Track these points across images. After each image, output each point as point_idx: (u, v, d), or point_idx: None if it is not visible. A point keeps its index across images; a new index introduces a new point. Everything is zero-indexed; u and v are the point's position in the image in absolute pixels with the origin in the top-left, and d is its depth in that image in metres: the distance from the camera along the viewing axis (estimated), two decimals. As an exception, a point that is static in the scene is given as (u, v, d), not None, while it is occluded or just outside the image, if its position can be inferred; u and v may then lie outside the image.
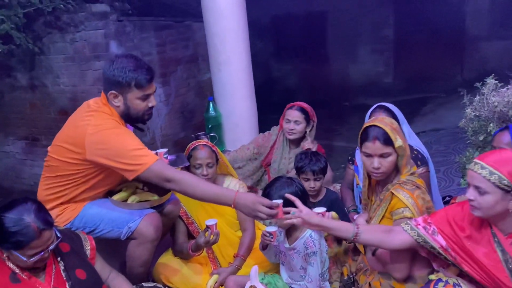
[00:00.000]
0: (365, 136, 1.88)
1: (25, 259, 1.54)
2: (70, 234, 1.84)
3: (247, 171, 3.02)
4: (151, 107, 2.08)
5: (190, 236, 2.41)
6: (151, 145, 4.36)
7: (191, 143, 2.43)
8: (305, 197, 2.10)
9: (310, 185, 2.46)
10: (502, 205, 1.52)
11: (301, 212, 1.81)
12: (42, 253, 1.57)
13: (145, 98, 2.04)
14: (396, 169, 1.88)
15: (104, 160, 1.95)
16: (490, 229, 1.61)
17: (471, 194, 1.56)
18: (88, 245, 1.85)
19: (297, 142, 2.91)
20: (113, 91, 2.01)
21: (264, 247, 2.15)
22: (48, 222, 1.58)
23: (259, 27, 6.19)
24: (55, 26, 3.89)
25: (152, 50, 4.33)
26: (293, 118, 2.84)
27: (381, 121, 1.89)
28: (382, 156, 1.83)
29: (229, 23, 3.22)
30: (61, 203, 2.14)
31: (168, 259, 2.36)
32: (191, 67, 4.81)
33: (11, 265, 1.60)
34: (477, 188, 1.54)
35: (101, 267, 1.86)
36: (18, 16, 3.53)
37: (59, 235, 1.66)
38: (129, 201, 2.20)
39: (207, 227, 2.09)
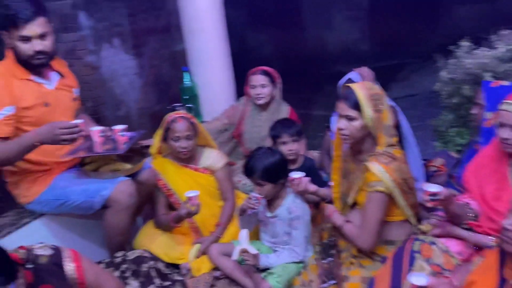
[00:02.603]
0: (340, 95, 1.89)
1: None
2: (52, 269, 1.55)
3: (218, 143, 3.00)
4: (39, 52, 1.96)
5: (171, 208, 2.41)
6: (127, 119, 4.28)
7: (168, 115, 2.39)
8: (286, 165, 2.12)
9: (288, 147, 2.48)
10: None
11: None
12: None
13: (26, 40, 1.93)
14: (372, 138, 1.86)
15: None
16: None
17: (509, 134, 1.66)
18: (73, 266, 1.58)
19: (266, 107, 2.89)
20: (2, 32, 1.94)
21: (242, 212, 2.16)
22: None
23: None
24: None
25: (123, 21, 4.18)
26: (258, 83, 2.82)
27: (360, 84, 1.88)
28: (347, 118, 1.83)
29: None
30: (27, 174, 2.09)
31: (149, 231, 2.37)
32: (164, 37, 4.67)
33: None
34: None
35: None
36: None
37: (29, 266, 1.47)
38: (101, 170, 2.17)
39: (188, 198, 2.09)
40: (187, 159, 2.40)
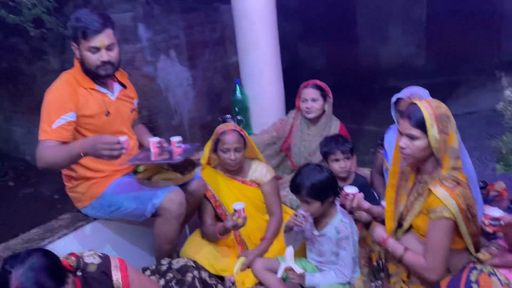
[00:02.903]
0: (403, 112, 1.80)
1: None
2: (99, 278, 1.62)
3: (266, 156, 2.99)
4: (105, 62, 2.05)
5: (218, 218, 2.43)
6: (179, 128, 4.40)
7: (218, 127, 2.42)
8: (335, 183, 2.08)
9: (340, 165, 2.45)
10: None
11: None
12: None
13: (95, 51, 2.03)
14: (435, 160, 1.76)
15: None
16: None
17: None
18: (119, 275, 1.65)
19: (316, 121, 2.86)
20: (72, 43, 2.05)
21: (288, 229, 2.14)
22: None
23: (286, 9, 6.09)
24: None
25: (179, 32, 4.32)
26: (310, 96, 2.79)
27: (426, 102, 1.76)
28: (409, 137, 1.74)
29: (257, 4, 3.16)
30: (84, 180, 2.19)
31: (195, 241, 2.39)
32: (218, 50, 4.78)
33: None
34: None
35: None
36: (49, 0, 3.58)
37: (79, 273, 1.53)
38: (153, 179, 2.23)
39: (235, 210, 2.10)
40: (235, 171, 2.42)
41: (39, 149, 1.99)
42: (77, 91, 2.08)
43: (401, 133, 1.79)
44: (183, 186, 2.23)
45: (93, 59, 2.04)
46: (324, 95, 2.82)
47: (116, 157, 1.89)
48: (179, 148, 2.18)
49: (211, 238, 2.34)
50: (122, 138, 1.90)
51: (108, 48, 2.05)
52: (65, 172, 2.23)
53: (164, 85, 4.21)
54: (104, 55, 2.04)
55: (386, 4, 6.68)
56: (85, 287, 1.53)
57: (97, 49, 2.03)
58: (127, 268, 1.65)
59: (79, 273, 1.56)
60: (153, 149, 2.15)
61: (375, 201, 2.41)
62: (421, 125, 1.72)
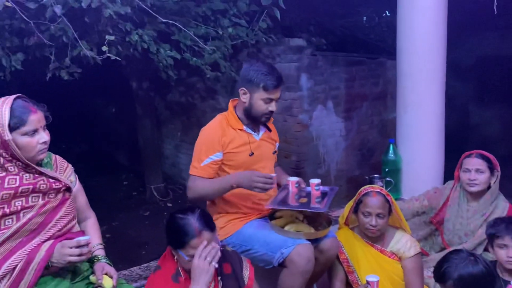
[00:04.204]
0: None
1: (186, 258, 1.67)
2: (235, 257, 1.91)
3: (412, 225, 2.70)
4: (271, 112, 2.26)
5: (349, 285, 2.27)
6: (325, 178, 4.35)
7: (363, 188, 2.30)
8: (492, 281, 1.75)
9: (508, 254, 2.06)
10: None
11: None
12: None
13: (268, 101, 2.24)
14: None
15: None
16: None
17: None
18: (247, 274, 1.88)
19: (478, 196, 2.49)
20: (243, 88, 2.25)
21: None
22: (208, 224, 1.71)
23: (459, 68, 5.66)
24: (256, 57, 4.26)
25: (340, 84, 4.36)
26: (474, 167, 2.46)
27: None
28: None
29: (424, 64, 2.98)
30: (224, 214, 2.32)
31: (322, 304, 2.27)
32: (377, 104, 4.66)
33: (178, 265, 1.74)
34: None
35: None
36: (227, 47, 3.98)
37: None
38: (286, 228, 2.21)
39: (368, 282, 1.93)
40: (374, 238, 2.25)
41: (190, 182, 2.25)
42: (227, 132, 2.29)
43: None
44: (315, 242, 2.17)
45: (263, 108, 2.24)
46: (491, 168, 2.47)
47: (266, 190, 2.12)
48: (318, 191, 2.24)
49: (338, 305, 2.19)
50: (273, 175, 2.14)
51: (277, 100, 2.29)
52: (208, 203, 2.41)
53: (316, 134, 4.25)
54: (273, 106, 2.26)
55: None
56: (223, 256, 1.74)
57: (270, 100, 2.24)
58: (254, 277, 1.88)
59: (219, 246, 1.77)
60: (292, 189, 2.29)
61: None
62: None
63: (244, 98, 2.26)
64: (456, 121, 4.69)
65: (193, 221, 1.68)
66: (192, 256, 1.65)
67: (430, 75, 3.02)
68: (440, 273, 1.79)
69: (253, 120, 2.30)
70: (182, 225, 1.68)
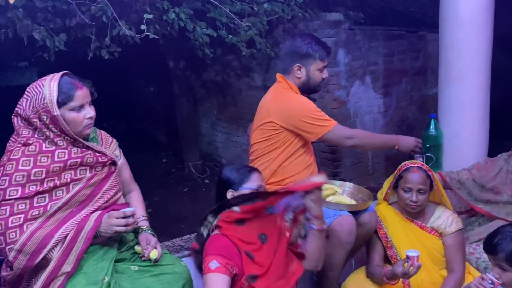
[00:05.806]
0: None
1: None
2: None
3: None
4: (323, 79, 2.36)
5: (387, 260, 2.26)
6: (362, 156, 4.30)
7: (403, 163, 2.26)
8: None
9: None
10: None
11: None
12: None
13: (322, 69, 2.33)
14: None
15: (291, 121, 2.21)
16: None
17: None
18: None
19: None
20: (298, 64, 2.29)
21: None
22: None
23: (508, 41, 5.37)
24: (292, 33, 4.21)
25: (378, 59, 4.25)
26: None
27: None
28: None
29: (468, 35, 2.84)
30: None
31: (359, 278, 2.27)
32: (417, 79, 4.52)
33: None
34: None
35: None
36: (262, 23, 3.94)
37: None
38: (327, 199, 2.21)
39: (407, 257, 1.91)
40: (414, 213, 2.22)
41: (341, 131, 2.28)
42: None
43: None
44: (354, 215, 2.17)
45: (320, 76, 2.34)
46: None
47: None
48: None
49: (376, 280, 2.19)
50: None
51: (326, 68, 2.38)
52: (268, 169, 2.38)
53: (354, 110, 4.19)
54: (326, 73, 2.37)
55: None
56: None
57: (324, 67, 2.34)
58: None
59: None
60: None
61: None
62: None
63: (299, 73, 2.32)
64: (502, 96, 4.48)
65: None
66: None
67: (475, 48, 2.88)
68: (492, 245, 1.74)
69: (310, 92, 2.38)
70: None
